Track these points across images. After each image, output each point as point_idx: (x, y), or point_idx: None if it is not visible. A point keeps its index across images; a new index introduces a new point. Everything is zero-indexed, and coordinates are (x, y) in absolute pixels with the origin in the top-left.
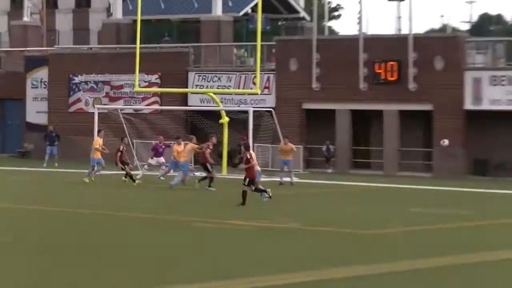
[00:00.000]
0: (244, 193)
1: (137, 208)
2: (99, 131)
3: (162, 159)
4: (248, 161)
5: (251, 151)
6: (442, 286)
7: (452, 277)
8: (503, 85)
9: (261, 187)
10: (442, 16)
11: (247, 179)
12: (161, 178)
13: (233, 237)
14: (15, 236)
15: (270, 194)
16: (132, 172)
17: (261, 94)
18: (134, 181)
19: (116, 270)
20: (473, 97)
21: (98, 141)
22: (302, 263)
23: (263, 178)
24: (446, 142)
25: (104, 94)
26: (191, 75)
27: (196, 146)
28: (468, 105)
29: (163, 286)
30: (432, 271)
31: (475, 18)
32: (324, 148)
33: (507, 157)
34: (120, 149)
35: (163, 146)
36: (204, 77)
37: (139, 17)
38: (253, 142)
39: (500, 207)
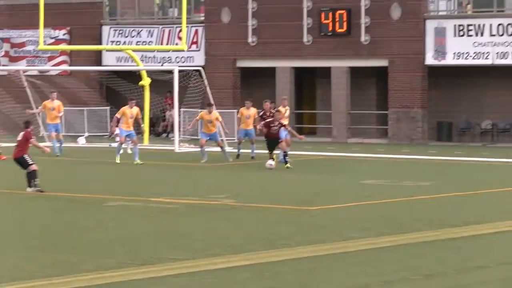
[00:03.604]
0: None
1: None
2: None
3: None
4: None
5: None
6: (393, 268)
7: (404, 257)
8: (470, 35)
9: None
10: None
11: None
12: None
13: (159, 216)
14: None
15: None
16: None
17: (188, 50)
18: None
19: (41, 254)
20: (436, 51)
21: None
22: (239, 245)
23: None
24: None
25: (3, 53)
26: (105, 29)
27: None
28: (430, 59)
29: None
30: (385, 250)
31: None
32: None
33: (474, 119)
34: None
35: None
36: (121, 32)
37: None
38: (179, 107)
39: (465, 177)
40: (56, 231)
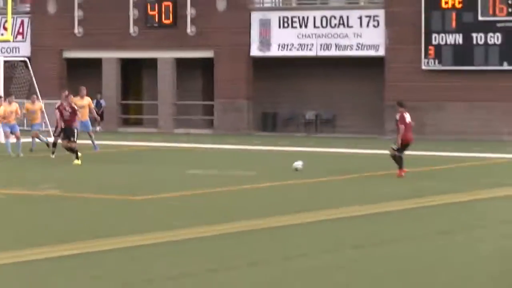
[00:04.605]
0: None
1: None
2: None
3: None
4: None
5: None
6: (220, 256)
7: (235, 243)
8: (294, 27)
9: None
10: None
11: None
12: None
13: None
14: None
15: None
16: None
17: (13, 41)
18: None
19: None
20: (261, 42)
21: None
22: (64, 235)
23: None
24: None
25: None
26: None
27: None
28: (255, 51)
29: None
30: (215, 238)
31: None
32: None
33: (298, 110)
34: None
35: None
36: None
37: None
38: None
39: (288, 167)
40: None
